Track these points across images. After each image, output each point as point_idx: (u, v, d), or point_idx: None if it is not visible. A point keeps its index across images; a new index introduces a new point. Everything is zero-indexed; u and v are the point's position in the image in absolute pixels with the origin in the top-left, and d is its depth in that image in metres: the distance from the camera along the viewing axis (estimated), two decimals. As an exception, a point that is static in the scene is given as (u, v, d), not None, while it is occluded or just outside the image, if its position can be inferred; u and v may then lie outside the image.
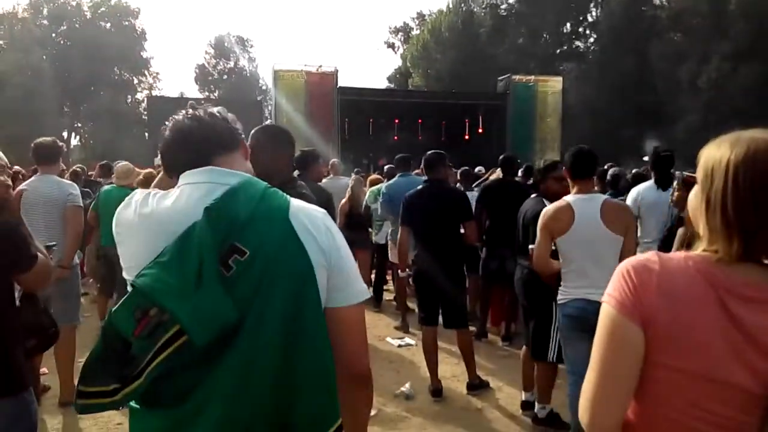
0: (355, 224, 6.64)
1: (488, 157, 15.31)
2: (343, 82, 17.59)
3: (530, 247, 3.58)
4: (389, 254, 6.65)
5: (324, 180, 7.20)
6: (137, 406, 1.20)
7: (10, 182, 2.42)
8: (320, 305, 1.21)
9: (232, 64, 49.52)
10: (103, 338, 1.16)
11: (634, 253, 2.41)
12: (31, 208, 3.99)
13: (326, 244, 1.23)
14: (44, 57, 40.04)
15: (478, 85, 29.26)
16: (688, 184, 5.32)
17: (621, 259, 1.85)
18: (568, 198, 3.27)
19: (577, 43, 38.61)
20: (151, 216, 1.22)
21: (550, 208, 3.32)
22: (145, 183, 6.15)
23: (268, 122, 28.76)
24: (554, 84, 19.86)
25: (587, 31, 38.19)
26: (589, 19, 37.71)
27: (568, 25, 38.19)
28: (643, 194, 4.67)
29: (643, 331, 1.07)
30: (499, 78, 20.52)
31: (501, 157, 6.16)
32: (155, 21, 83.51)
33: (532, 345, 3.93)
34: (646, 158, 11.74)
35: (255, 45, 67.07)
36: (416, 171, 6.50)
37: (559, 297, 3.34)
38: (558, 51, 37.42)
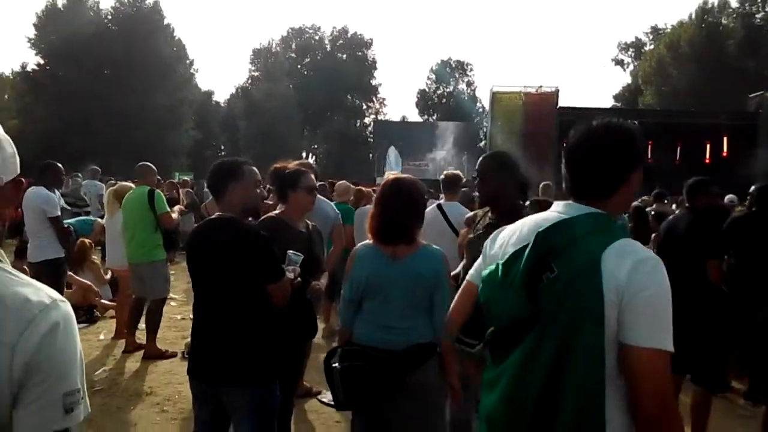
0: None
1: (733, 184, 13.40)
2: (563, 101, 16.96)
3: None
4: None
5: (538, 203, 6.97)
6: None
7: (264, 194, 2.78)
8: (601, 332, 1.33)
9: (451, 88, 51.21)
10: (476, 308, 1.61)
11: None
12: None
13: (624, 282, 1.33)
14: (290, 86, 45.89)
15: (722, 102, 25.90)
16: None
17: None
18: None
19: None
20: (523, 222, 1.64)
21: None
22: (356, 201, 6.67)
23: (481, 143, 29.02)
24: (822, 101, 16.68)
25: None
26: None
27: None
28: None
29: None
30: (751, 95, 18.00)
31: (754, 187, 5.26)
32: (384, 50, 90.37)
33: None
34: None
35: (475, 69, 68.44)
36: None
37: None
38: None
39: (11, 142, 1.16)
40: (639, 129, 1.53)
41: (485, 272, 1.55)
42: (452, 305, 1.80)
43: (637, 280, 1.33)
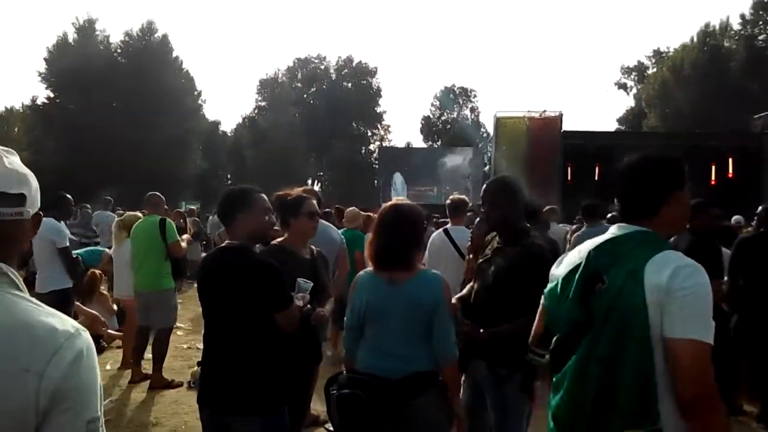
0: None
1: (740, 205, 13.41)
2: (567, 125, 17.01)
3: None
4: None
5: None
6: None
7: (275, 220, 2.81)
8: (647, 329, 1.52)
9: (455, 114, 51.55)
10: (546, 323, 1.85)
11: None
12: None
13: (665, 287, 1.51)
14: (296, 115, 46.32)
15: (726, 124, 25.94)
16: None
17: None
18: None
19: None
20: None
21: None
22: (365, 228, 6.67)
23: (486, 168, 29.05)
24: (828, 121, 16.67)
25: None
26: None
27: None
28: None
29: None
30: (755, 116, 18.00)
31: (761, 208, 5.24)
32: (388, 78, 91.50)
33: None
34: None
35: (478, 94, 68.68)
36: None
37: None
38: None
39: (34, 176, 1.19)
40: (678, 158, 1.74)
41: (547, 289, 1.81)
42: (534, 327, 1.98)
43: (676, 283, 1.52)
